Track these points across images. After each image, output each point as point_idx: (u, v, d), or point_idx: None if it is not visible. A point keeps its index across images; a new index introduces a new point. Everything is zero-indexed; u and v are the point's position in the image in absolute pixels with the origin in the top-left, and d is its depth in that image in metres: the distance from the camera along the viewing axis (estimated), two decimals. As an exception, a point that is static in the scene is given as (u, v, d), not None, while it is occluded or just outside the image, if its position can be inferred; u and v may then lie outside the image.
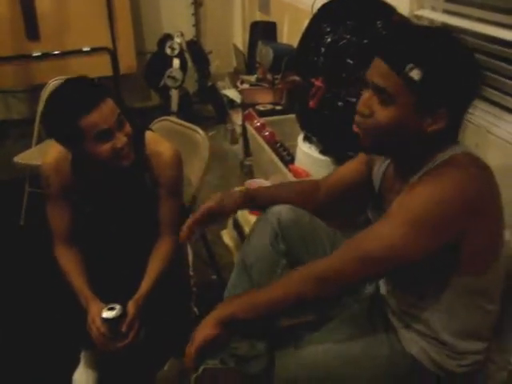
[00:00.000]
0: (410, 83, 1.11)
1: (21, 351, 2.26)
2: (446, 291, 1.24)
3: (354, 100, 1.85)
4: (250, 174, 3.46)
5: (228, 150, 4.26)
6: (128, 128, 1.67)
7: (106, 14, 4.43)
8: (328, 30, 1.91)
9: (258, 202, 1.57)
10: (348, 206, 1.66)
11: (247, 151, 3.58)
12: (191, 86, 4.77)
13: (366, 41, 1.82)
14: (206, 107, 4.98)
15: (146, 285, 1.79)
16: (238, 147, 4.10)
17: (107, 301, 1.73)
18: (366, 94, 1.21)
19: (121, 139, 1.62)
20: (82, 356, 2.05)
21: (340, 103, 1.90)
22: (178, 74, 4.43)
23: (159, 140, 1.86)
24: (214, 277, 2.51)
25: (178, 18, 5.19)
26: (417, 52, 1.12)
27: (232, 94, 4.23)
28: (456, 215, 1.12)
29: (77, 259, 1.83)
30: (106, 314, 1.65)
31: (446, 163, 1.18)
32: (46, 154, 1.83)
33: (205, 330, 1.28)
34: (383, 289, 1.47)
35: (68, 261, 1.82)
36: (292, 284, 1.26)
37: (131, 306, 1.72)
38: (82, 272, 1.80)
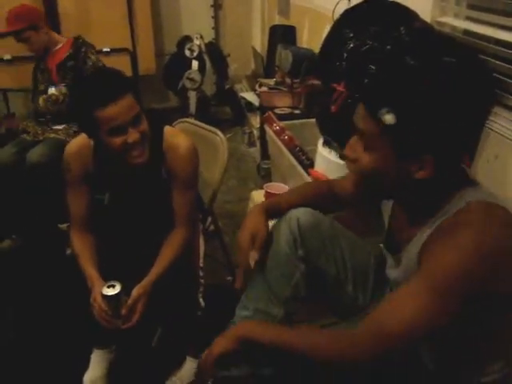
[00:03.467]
0: (385, 128, 1.07)
1: (33, 351, 2.28)
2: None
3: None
4: (266, 177, 3.46)
5: (245, 153, 4.28)
6: (144, 126, 1.70)
7: (127, 15, 4.49)
8: (351, 35, 1.91)
9: (282, 212, 1.54)
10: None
11: (264, 154, 3.59)
12: (209, 88, 4.79)
13: (388, 46, 1.81)
14: (224, 109, 5.01)
15: (155, 272, 1.82)
16: (255, 150, 4.11)
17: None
18: (353, 138, 1.19)
19: (133, 135, 1.65)
20: (93, 356, 2.08)
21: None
22: (197, 76, 4.45)
23: (176, 133, 1.90)
24: (230, 278, 2.52)
25: (197, 20, 5.22)
26: (393, 95, 1.07)
27: (250, 96, 4.26)
28: (480, 277, 1.06)
29: (89, 244, 1.89)
30: (106, 291, 1.69)
31: (460, 215, 1.11)
32: (72, 141, 1.90)
33: (224, 342, 1.28)
34: None
35: (81, 244, 1.88)
36: (319, 345, 1.19)
37: (135, 290, 1.75)
38: (92, 256, 1.85)
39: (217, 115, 4.92)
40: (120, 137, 1.64)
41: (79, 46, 3.08)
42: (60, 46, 3.09)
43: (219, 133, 2.32)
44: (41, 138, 3.05)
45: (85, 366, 2.07)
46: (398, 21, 1.89)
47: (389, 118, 1.05)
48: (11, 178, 2.91)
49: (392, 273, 1.40)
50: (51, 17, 4.30)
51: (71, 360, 2.15)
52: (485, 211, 1.09)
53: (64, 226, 3.03)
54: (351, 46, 1.92)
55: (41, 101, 3.00)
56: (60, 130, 3.04)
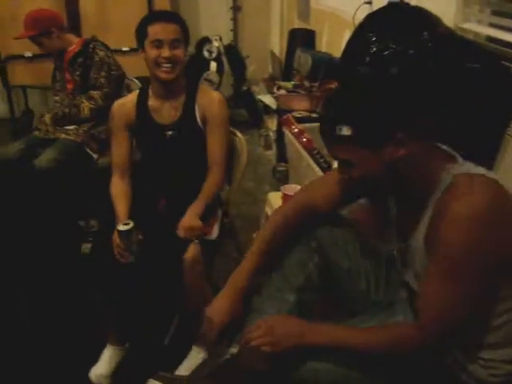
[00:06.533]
0: (350, 139, 1.23)
1: (48, 343, 2.31)
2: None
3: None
4: (282, 180, 3.46)
5: (261, 155, 4.28)
6: (179, 52, 2.04)
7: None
8: (373, 39, 1.91)
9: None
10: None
11: (281, 157, 3.59)
12: (226, 89, 4.80)
13: (411, 51, 1.81)
14: (240, 111, 5.01)
15: (201, 200, 2.06)
16: (271, 153, 4.11)
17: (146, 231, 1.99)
18: (336, 164, 1.37)
19: (166, 52, 2.00)
20: (105, 351, 2.13)
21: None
22: (215, 77, 4.48)
23: (209, 88, 2.33)
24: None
25: (216, 22, 5.26)
26: (336, 115, 1.26)
27: (267, 99, 4.25)
28: (486, 243, 1.14)
29: (125, 189, 2.16)
30: (119, 227, 1.92)
31: (450, 191, 1.19)
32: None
33: (282, 342, 1.31)
34: None
35: (117, 189, 2.16)
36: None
37: (190, 210, 2.02)
38: (125, 200, 2.11)
39: (233, 117, 4.90)
40: (157, 50, 2.01)
41: (88, 42, 3.12)
42: (73, 46, 3.13)
43: (238, 134, 2.34)
44: (51, 136, 3.08)
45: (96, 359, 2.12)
46: (422, 26, 1.89)
47: (346, 130, 1.22)
48: (15, 173, 2.94)
49: (404, 271, 1.44)
50: (72, 18, 4.38)
51: (84, 353, 2.19)
52: (470, 182, 1.18)
53: (82, 222, 3.07)
54: (374, 49, 1.92)
55: (86, 110, 3.03)
56: (71, 130, 3.07)
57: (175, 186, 2.16)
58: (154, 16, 2.06)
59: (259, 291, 1.53)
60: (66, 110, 3.05)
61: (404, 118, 1.24)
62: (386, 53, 1.85)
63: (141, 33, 2.04)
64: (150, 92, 2.18)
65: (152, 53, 2.02)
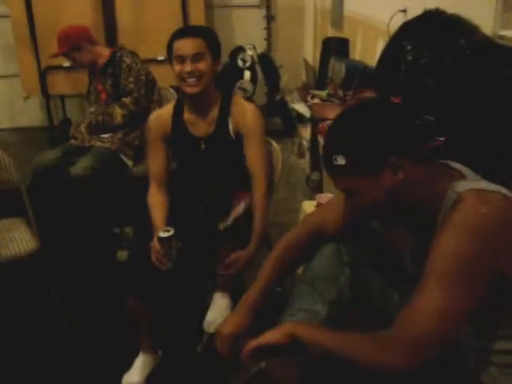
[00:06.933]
0: (347, 169, 1.23)
1: (84, 347, 2.35)
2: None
3: (431, 119, 1.82)
4: (315, 188, 3.46)
5: (294, 164, 4.28)
6: (202, 65, 2.07)
7: (182, 25, 4.57)
8: (409, 47, 1.90)
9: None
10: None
11: (315, 165, 3.58)
12: (260, 98, 4.83)
13: (448, 59, 1.79)
14: (274, 120, 5.02)
15: (254, 240, 2.09)
16: (305, 161, 4.11)
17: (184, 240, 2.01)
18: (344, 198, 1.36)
19: (188, 66, 2.04)
20: (138, 359, 2.15)
21: (417, 122, 1.88)
22: (249, 86, 4.50)
23: (243, 100, 2.32)
24: (279, 289, 2.51)
25: (250, 31, 5.29)
26: (331, 145, 1.28)
27: (301, 108, 4.25)
28: (485, 254, 1.11)
29: (162, 199, 2.20)
30: (160, 234, 1.94)
31: (454, 206, 1.16)
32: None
33: (274, 334, 1.29)
34: None
35: (155, 199, 2.20)
36: (360, 352, 1.19)
37: (242, 252, 2.05)
38: (162, 209, 2.16)
39: (267, 126, 4.91)
40: (180, 65, 2.06)
41: (115, 52, 3.19)
42: (103, 57, 3.20)
43: (274, 143, 2.36)
44: (87, 144, 3.15)
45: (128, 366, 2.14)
46: (458, 33, 1.87)
47: (341, 159, 1.23)
48: (52, 180, 3.02)
49: None
50: (110, 29, 4.47)
51: (117, 359, 2.22)
52: (476, 196, 1.15)
53: (117, 229, 3.11)
54: (409, 58, 1.90)
55: (119, 117, 3.08)
56: (105, 137, 3.13)
57: (210, 196, 2.18)
58: (177, 33, 2.11)
59: (292, 306, 1.51)
60: (100, 119, 3.11)
61: (396, 141, 1.22)
62: (422, 61, 1.84)
63: (168, 50, 2.11)
64: (185, 105, 2.22)
65: (176, 68, 2.08)
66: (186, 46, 2.05)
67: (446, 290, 1.11)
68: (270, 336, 1.29)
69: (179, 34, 2.10)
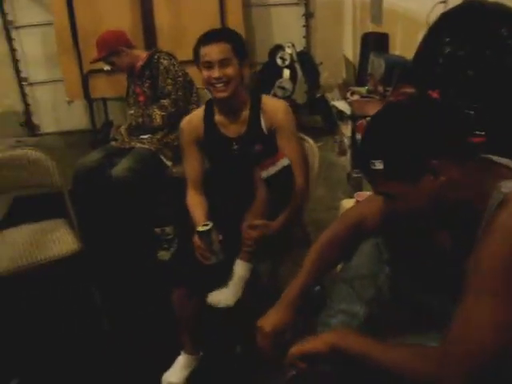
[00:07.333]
0: (385, 173, 1.19)
1: (126, 344, 2.40)
2: None
3: (471, 112, 1.77)
4: (356, 186, 3.40)
5: (335, 162, 4.23)
6: (229, 71, 2.07)
7: (220, 25, 4.58)
8: (447, 39, 1.84)
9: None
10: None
11: (356, 163, 3.53)
12: (300, 97, 4.80)
13: (488, 51, 1.73)
14: (314, 118, 4.98)
15: (281, 220, 2.09)
16: (346, 159, 4.06)
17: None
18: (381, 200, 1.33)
19: (215, 72, 2.05)
20: (179, 359, 2.18)
21: (458, 118, 1.82)
22: (288, 85, 4.48)
23: (272, 98, 2.36)
24: (318, 288, 2.49)
25: (289, 29, 5.26)
26: (368, 149, 1.24)
27: (341, 105, 4.19)
28: None
29: (201, 200, 2.25)
30: (200, 228, 1.99)
31: (500, 208, 1.09)
32: None
33: (317, 343, 1.29)
34: None
35: (193, 201, 2.25)
36: (406, 364, 1.16)
37: (261, 221, 2.05)
38: (201, 207, 2.21)
39: (308, 124, 4.90)
40: (208, 71, 2.07)
41: (153, 54, 3.22)
42: (141, 60, 3.24)
43: (310, 140, 2.33)
44: (127, 146, 3.20)
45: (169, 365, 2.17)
46: (499, 22, 1.80)
47: (378, 164, 1.18)
48: (94, 181, 3.08)
49: None
50: (149, 32, 4.53)
51: (158, 358, 2.25)
52: None
53: (158, 229, 3.14)
54: (448, 50, 1.85)
55: (158, 118, 3.12)
56: (145, 138, 3.18)
57: (244, 196, 2.17)
58: (203, 38, 2.11)
59: (330, 307, 1.51)
60: (140, 120, 3.16)
61: (436, 144, 1.15)
62: (460, 53, 1.78)
63: (195, 55, 2.12)
64: (215, 107, 2.24)
65: (204, 74, 2.09)
66: (213, 52, 2.06)
67: (496, 298, 1.04)
68: (312, 344, 1.29)
69: (205, 40, 2.10)
